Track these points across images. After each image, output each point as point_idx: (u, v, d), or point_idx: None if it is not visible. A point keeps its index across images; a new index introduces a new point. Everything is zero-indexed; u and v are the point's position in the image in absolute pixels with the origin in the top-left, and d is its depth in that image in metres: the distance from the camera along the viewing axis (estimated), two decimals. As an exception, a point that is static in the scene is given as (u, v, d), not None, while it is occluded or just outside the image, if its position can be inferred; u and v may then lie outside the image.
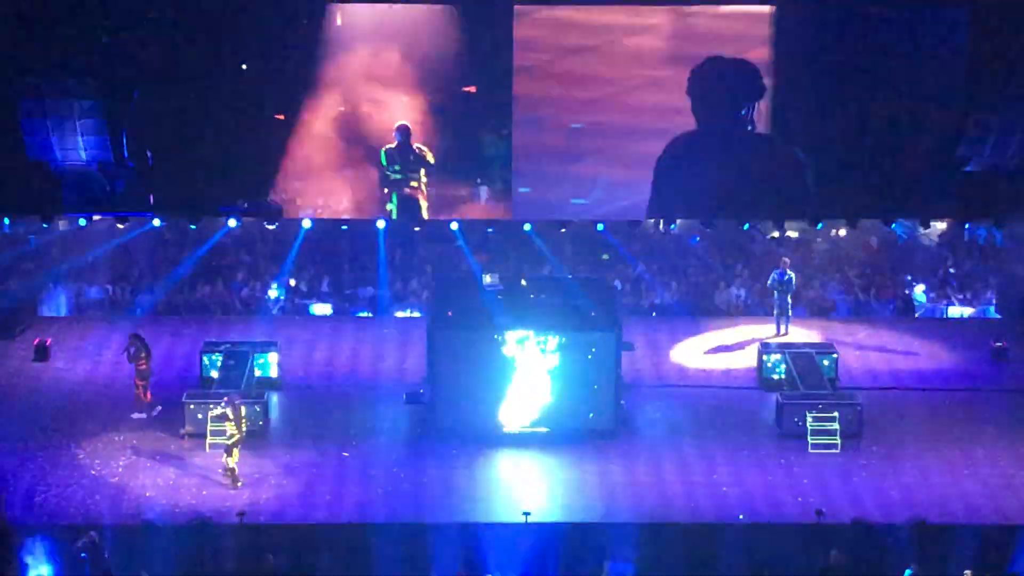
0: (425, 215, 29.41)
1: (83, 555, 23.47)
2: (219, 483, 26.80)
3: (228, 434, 26.89)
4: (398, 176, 29.05)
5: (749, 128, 29.06)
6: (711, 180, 29.25)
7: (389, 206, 29.32)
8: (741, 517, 25.39)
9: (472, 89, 28.65)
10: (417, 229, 36.08)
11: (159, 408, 29.60)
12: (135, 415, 29.55)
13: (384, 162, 28.90)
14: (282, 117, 28.59)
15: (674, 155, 29.15)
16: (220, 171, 28.43)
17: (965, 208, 29.80)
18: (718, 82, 28.98)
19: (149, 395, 29.81)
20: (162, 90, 27.68)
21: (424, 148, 28.86)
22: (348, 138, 28.85)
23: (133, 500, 26.14)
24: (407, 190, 29.13)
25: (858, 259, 37.35)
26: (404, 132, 28.75)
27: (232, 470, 26.80)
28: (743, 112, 29.20)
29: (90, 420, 29.36)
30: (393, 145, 28.84)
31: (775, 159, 29.30)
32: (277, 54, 28.16)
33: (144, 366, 29.88)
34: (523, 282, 30.50)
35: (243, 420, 27.04)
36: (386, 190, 29.14)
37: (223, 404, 27.02)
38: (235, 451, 26.77)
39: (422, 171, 29.04)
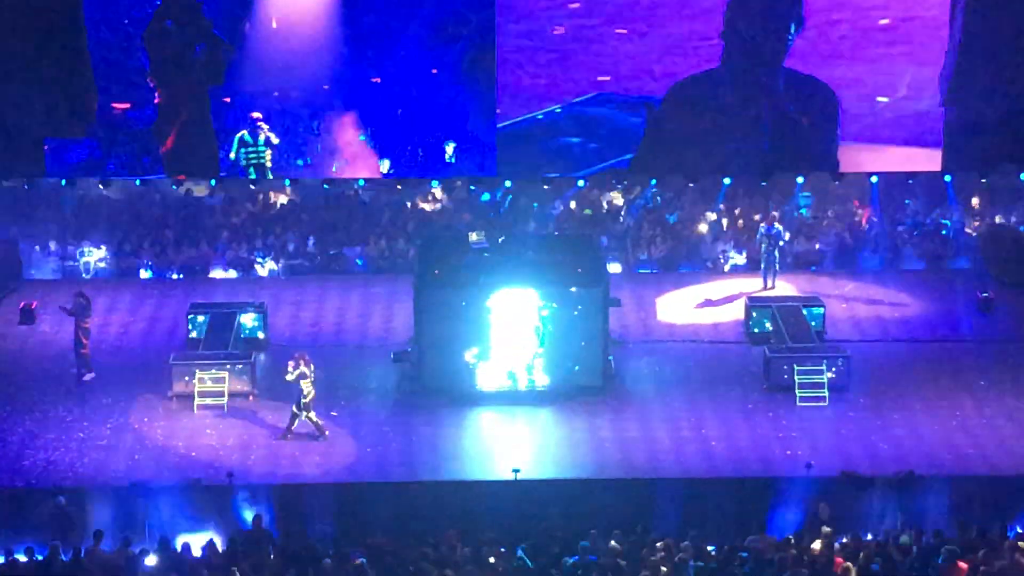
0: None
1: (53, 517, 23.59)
2: (208, 444, 26.78)
3: (306, 391, 26.81)
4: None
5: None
6: (727, 128, 29.31)
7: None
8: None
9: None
10: (400, 188, 36.09)
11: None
12: (87, 377, 29.42)
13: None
14: None
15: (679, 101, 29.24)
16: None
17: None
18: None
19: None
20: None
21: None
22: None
23: (121, 462, 26.12)
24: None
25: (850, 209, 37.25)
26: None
27: (318, 423, 26.85)
28: (789, 36, 29.26)
29: (77, 383, 29.29)
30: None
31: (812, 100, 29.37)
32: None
33: (87, 325, 29.74)
34: (500, 240, 30.41)
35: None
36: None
37: (299, 362, 26.90)
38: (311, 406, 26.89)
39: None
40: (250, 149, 33.80)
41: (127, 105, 33.98)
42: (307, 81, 33.85)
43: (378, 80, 33.62)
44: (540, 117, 33.72)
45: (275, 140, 33.43)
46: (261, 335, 31.16)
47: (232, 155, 33.71)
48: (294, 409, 26.94)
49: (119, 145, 34.19)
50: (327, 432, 27.00)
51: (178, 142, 33.93)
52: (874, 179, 35.75)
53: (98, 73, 33.34)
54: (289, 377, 27.03)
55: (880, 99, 33.78)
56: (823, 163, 34.37)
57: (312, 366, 27.04)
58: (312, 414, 26.95)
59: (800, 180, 36.12)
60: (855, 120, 33.85)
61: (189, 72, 33.50)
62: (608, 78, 33.25)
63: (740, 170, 34.64)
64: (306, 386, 26.86)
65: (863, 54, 33.38)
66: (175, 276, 35.47)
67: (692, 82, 33.10)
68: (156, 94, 33.63)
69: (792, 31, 32.23)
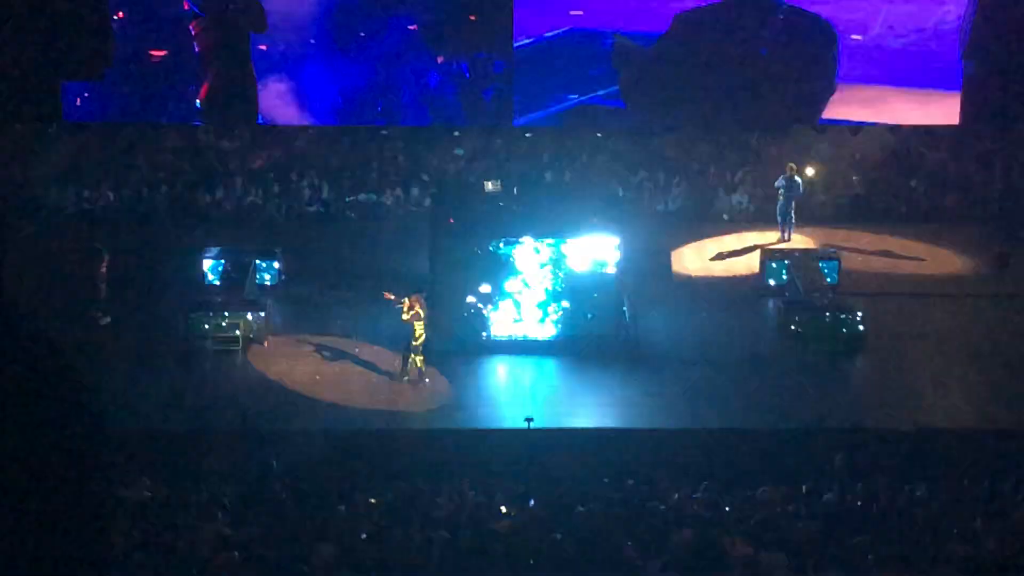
0: None
1: None
2: (221, 391, 26.80)
3: (417, 333, 26.79)
4: None
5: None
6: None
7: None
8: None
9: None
10: (417, 135, 36.10)
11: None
12: (105, 320, 29.47)
13: None
14: None
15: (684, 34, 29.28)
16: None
17: None
18: None
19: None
20: None
21: None
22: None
23: (136, 406, 26.13)
24: None
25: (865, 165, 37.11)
26: None
27: (421, 368, 26.86)
28: None
29: (87, 327, 29.33)
30: None
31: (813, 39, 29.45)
32: None
33: (103, 269, 29.79)
34: (515, 191, 30.37)
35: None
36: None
37: (414, 304, 26.81)
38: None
39: None
40: None
41: (164, 52, 34.05)
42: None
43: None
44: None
45: None
46: (275, 281, 31.12)
47: None
48: (404, 351, 26.86)
49: (151, 91, 34.27)
50: (428, 379, 26.98)
51: (216, 90, 33.94)
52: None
53: (133, 20, 33.34)
54: (405, 317, 26.86)
55: (854, 37, 33.78)
56: (817, 102, 34.47)
57: (426, 308, 26.97)
58: (420, 358, 26.87)
59: (823, 132, 36.02)
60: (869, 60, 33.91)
61: (231, 20, 33.51)
62: (580, 12, 33.46)
63: (741, 118, 34.65)
64: (419, 327, 26.75)
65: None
66: (191, 220, 35.51)
67: (696, 16, 33.35)
68: (195, 43, 33.62)
69: None
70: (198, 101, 34.23)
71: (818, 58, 34.17)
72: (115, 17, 34.70)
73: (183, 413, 25.74)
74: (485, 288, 28.37)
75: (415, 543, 19.34)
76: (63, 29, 33.01)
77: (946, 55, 34.51)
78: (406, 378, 26.96)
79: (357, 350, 28.51)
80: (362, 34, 34.62)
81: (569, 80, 35.00)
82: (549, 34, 34.46)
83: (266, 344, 28.55)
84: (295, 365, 27.76)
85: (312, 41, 34.53)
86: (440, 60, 34.42)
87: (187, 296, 29.67)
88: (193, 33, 33.61)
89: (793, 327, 28.82)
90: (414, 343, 26.81)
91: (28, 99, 33.65)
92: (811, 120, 35.61)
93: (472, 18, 34.54)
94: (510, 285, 28.54)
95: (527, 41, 34.47)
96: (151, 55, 33.84)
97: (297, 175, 36.46)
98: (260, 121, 35.37)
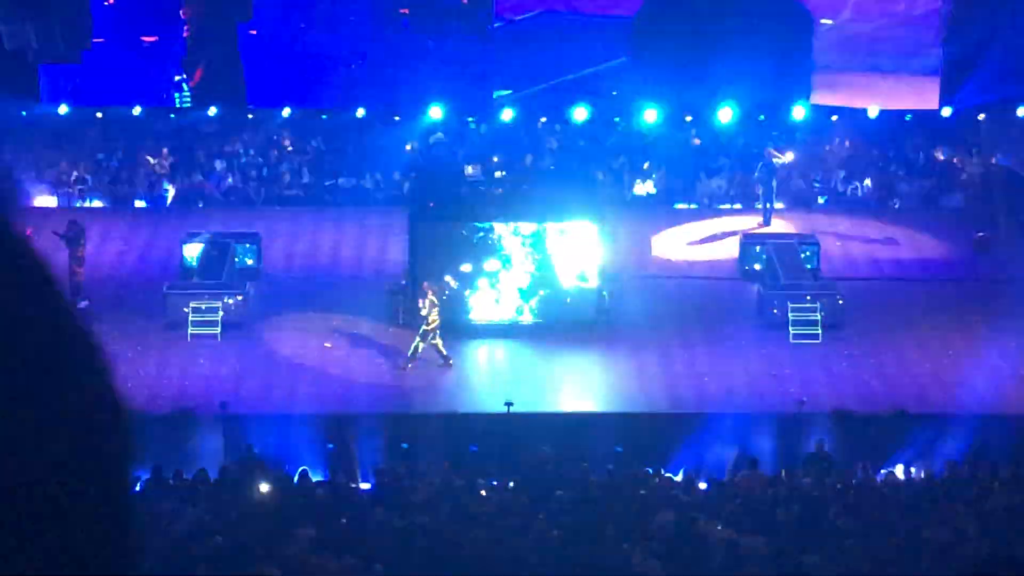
0: None
1: None
2: (201, 373, 26.78)
3: (431, 319, 26.70)
4: None
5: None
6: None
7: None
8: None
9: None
10: (397, 118, 36.04)
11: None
12: (82, 304, 29.38)
13: None
14: None
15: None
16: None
17: None
18: None
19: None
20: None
21: None
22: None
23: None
24: None
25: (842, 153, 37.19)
26: None
27: (442, 351, 26.77)
28: None
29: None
30: None
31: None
32: None
33: (81, 253, 29.71)
34: (499, 174, 30.41)
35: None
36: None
37: (427, 293, 26.78)
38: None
39: None
40: None
41: (154, 38, 34.05)
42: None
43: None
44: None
45: None
46: (254, 263, 31.11)
47: None
48: (417, 338, 26.84)
49: (140, 75, 34.30)
50: (452, 360, 26.98)
51: (207, 74, 33.99)
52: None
53: (124, 4, 33.34)
54: (424, 312, 26.76)
55: (824, 21, 33.91)
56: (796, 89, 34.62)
57: (436, 296, 26.92)
58: (439, 342, 26.84)
59: (803, 115, 36.02)
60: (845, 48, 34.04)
61: (218, 6, 33.57)
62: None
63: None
64: (433, 314, 26.75)
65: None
66: (169, 204, 35.46)
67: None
68: (185, 28, 33.63)
69: None
70: (188, 85, 34.18)
71: (792, 41, 34.23)
72: (106, 3, 34.68)
73: (164, 397, 25.74)
74: (466, 267, 28.37)
75: (395, 527, 19.37)
76: (42, 10, 32.93)
77: (918, 40, 34.58)
78: (409, 365, 26.89)
79: (335, 333, 28.49)
80: (351, 17, 34.62)
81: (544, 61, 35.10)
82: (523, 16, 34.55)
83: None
84: (277, 348, 27.75)
85: (302, 25, 34.51)
86: (429, 43, 34.48)
87: (167, 280, 29.62)
88: (183, 18, 33.64)
89: (773, 311, 28.86)
90: (425, 328, 26.79)
91: (6, 80, 33.54)
92: (787, 103, 35.64)
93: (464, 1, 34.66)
94: (489, 267, 28.53)
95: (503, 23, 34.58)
96: (142, 40, 33.86)
97: (277, 158, 36.41)
98: (248, 104, 35.34)
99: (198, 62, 33.97)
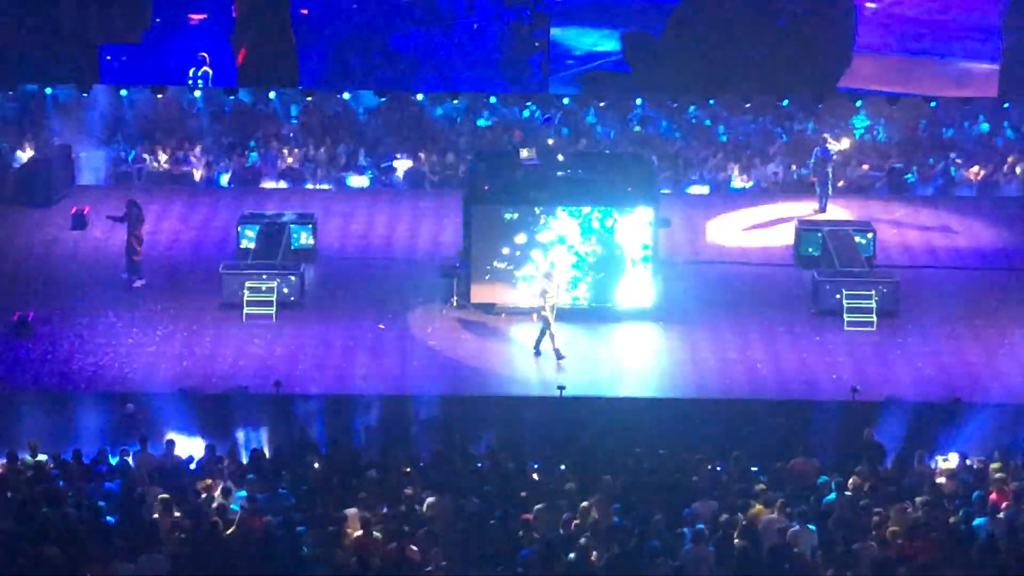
0: None
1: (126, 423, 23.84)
2: (255, 353, 26.92)
3: (551, 304, 26.86)
4: None
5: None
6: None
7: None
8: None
9: None
10: (455, 101, 36.13)
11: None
12: (138, 283, 29.61)
13: None
14: None
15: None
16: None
17: None
18: None
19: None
20: None
21: None
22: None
23: (170, 369, 26.30)
24: None
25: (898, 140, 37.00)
26: None
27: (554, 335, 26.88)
28: None
29: (127, 289, 29.49)
30: None
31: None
32: None
33: (140, 233, 29.91)
34: (559, 157, 30.48)
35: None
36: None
37: (545, 278, 26.96)
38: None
39: None
40: None
41: (203, 16, 34.20)
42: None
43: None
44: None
45: None
46: (309, 244, 31.22)
47: None
48: (549, 325, 26.86)
49: (188, 54, 34.45)
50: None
51: (255, 53, 34.06)
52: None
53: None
54: (552, 297, 26.84)
55: (869, 4, 33.69)
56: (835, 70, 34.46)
57: (552, 283, 27.01)
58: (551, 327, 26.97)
59: (858, 104, 35.89)
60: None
61: None
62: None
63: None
64: (551, 299, 26.83)
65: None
66: (226, 184, 35.67)
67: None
68: (233, 6, 33.73)
69: None
70: (237, 63, 34.32)
71: (836, 27, 34.02)
72: None
73: (218, 376, 25.93)
74: (521, 238, 28.35)
75: (447, 511, 19.45)
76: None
77: (969, 25, 34.30)
78: (561, 357, 26.87)
79: (389, 314, 28.59)
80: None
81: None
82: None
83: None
84: (331, 328, 27.88)
85: (354, 6, 34.59)
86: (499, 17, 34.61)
87: (224, 260, 29.80)
88: None
89: (827, 299, 28.75)
90: (546, 313, 26.88)
91: (66, 61, 33.78)
92: (829, 90, 35.47)
93: None
94: (546, 254, 28.54)
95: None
96: (190, 18, 34.00)
97: (332, 140, 36.52)
98: (300, 85, 35.45)
99: (245, 40, 34.00)
